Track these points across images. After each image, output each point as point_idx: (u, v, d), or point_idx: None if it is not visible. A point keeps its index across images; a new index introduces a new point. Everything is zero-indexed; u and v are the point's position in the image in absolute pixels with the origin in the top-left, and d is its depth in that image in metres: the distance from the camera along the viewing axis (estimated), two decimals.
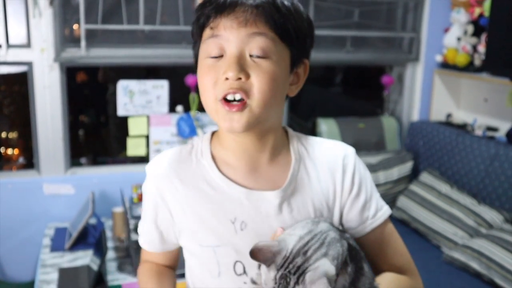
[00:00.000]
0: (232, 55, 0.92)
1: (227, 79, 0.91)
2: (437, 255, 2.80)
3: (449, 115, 3.61)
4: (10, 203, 2.90)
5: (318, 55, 3.42)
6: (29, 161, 3.68)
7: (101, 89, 4.17)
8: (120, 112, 3.04)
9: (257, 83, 0.92)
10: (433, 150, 3.35)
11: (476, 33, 3.30)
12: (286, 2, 0.95)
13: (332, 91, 4.76)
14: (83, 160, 3.89)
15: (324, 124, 3.48)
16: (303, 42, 1.00)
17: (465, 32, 3.35)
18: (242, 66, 0.91)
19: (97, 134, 4.31)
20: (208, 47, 0.94)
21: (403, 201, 3.21)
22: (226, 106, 0.92)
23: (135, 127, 3.08)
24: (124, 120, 3.09)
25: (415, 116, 3.69)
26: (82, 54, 2.88)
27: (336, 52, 3.48)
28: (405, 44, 3.65)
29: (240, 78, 0.91)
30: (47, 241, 2.75)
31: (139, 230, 1.13)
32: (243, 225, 0.99)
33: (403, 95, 3.73)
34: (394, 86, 3.76)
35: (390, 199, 3.29)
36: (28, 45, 2.82)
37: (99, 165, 3.44)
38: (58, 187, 3.00)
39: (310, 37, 1.02)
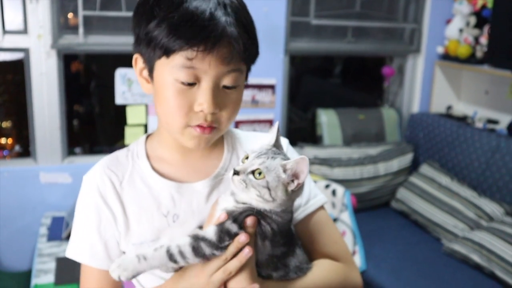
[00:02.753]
0: (209, 89, 0.91)
1: (201, 111, 0.92)
2: (437, 247, 2.80)
3: (449, 107, 3.59)
4: (6, 191, 2.86)
5: (318, 45, 3.39)
6: (25, 150, 3.64)
7: (98, 78, 4.12)
8: (118, 100, 2.99)
9: (227, 114, 0.95)
10: (433, 142, 3.33)
11: (479, 25, 3.27)
12: (246, 21, 0.94)
13: (331, 82, 4.72)
14: (77, 150, 3.84)
15: (324, 115, 3.45)
16: (256, 57, 1.01)
17: (467, 24, 3.32)
18: (217, 101, 0.92)
19: (93, 124, 4.26)
20: (180, 74, 0.91)
21: (403, 193, 3.19)
22: (199, 129, 0.94)
23: (133, 116, 3.04)
24: (122, 108, 3.04)
25: (415, 108, 3.67)
26: (80, 41, 2.84)
27: (337, 42, 3.44)
28: (406, 35, 3.62)
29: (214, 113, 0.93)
30: (44, 230, 2.72)
31: (72, 243, 1.04)
32: (175, 217, 1.01)
33: (403, 87, 3.70)
34: (394, 77, 3.73)
35: (390, 191, 3.28)
36: (24, 31, 2.76)
37: (97, 154, 3.39)
38: (55, 175, 2.95)
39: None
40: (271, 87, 3.23)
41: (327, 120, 3.45)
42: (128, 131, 3.06)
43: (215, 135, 0.98)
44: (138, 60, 0.99)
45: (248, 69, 1.00)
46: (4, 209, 2.86)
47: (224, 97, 0.94)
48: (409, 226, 3.06)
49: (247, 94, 3.17)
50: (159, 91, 0.95)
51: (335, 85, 4.66)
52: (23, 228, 2.91)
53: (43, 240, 2.62)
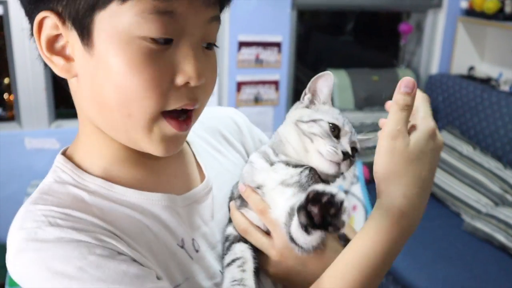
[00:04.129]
0: (193, 47, 0.64)
1: (187, 83, 0.64)
2: (457, 223, 2.65)
3: (471, 68, 3.39)
4: None
5: None
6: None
7: None
8: None
9: (210, 88, 0.70)
10: (454, 107, 3.14)
11: None
12: None
13: (343, 40, 4.56)
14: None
15: (335, 76, 3.14)
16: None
17: None
18: (202, 67, 0.66)
19: None
20: (149, 26, 0.61)
21: None
22: (174, 124, 0.66)
23: None
24: None
25: (434, 69, 3.47)
26: None
27: None
28: None
29: None
30: None
31: None
32: (196, 245, 0.75)
33: (421, 45, 3.50)
34: (412, 35, 3.53)
35: None
36: None
37: None
38: (42, 141, 2.79)
39: None
40: (277, 45, 3.03)
41: (338, 81, 3.27)
42: None
43: (188, 130, 0.70)
44: (45, 23, 0.65)
45: None
46: None
47: (206, 62, 0.67)
48: None
49: (250, 53, 2.98)
50: (108, 64, 0.63)
51: (346, 43, 4.54)
52: (8, 196, 2.74)
53: None
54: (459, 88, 3.11)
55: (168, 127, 0.66)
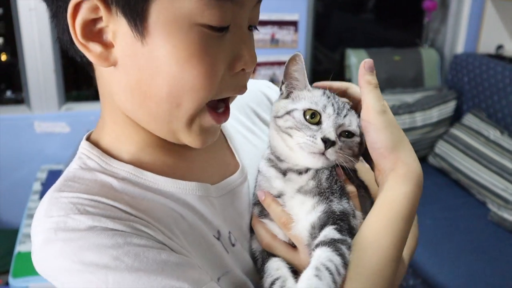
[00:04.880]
0: (247, 32, 0.65)
1: (243, 70, 0.65)
2: (483, 213, 2.58)
3: (499, 47, 3.32)
4: None
5: None
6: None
7: None
8: None
9: (251, 72, 0.70)
10: (480, 88, 3.05)
11: None
12: None
13: (363, 18, 4.46)
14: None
15: (354, 56, 3.21)
16: None
17: None
18: None
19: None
20: (212, 12, 0.59)
21: (443, 147, 2.97)
22: (215, 116, 0.66)
23: None
24: None
25: (460, 48, 3.41)
26: None
27: None
28: None
29: None
30: (37, 186, 2.51)
31: None
32: (232, 238, 0.73)
33: (446, 23, 3.45)
34: (437, 11, 3.47)
35: (428, 144, 3.05)
36: None
37: (96, 101, 3.13)
38: (52, 125, 2.77)
39: None
40: (294, 23, 3.00)
41: (357, 61, 3.20)
42: None
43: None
44: (82, 7, 0.59)
45: None
46: None
47: (253, 45, 0.67)
48: (449, 187, 2.84)
49: (266, 32, 2.95)
50: (165, 53, 0.60)
51: (367, 21, 4.42)
52: (18, 181, 2.74)
53: (35, 198, 2.39)
54: (486, 69, 3.02)
55: (207, 119, 0.65)
